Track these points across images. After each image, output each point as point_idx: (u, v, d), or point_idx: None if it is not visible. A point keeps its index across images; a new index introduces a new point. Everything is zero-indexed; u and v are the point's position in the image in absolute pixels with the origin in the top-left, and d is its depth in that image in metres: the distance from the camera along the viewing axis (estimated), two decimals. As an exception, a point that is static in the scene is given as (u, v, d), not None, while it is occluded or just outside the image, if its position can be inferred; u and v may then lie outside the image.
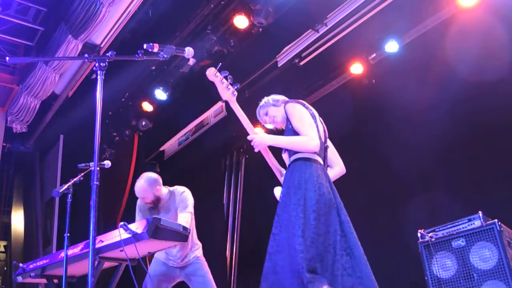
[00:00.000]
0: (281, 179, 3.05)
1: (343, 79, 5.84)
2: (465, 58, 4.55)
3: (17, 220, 8.30)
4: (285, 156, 3.03)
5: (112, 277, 3.29)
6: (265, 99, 3.25)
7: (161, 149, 8.15)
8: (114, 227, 3.11)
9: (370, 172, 5.40)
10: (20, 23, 6.12)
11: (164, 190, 3.83)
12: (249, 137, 2.98)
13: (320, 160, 2.83)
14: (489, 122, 4.55)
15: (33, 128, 7.50)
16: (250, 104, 7.45)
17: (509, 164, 4.38)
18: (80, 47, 5.66)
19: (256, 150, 3.00)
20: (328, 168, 3.00)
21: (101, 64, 2.39)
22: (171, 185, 3.95)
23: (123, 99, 7.14)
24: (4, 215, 8.30)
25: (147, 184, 3.73)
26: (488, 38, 4.51)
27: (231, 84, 3.03)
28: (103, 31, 5.71)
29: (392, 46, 5.31)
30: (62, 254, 3.09)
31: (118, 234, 2.92)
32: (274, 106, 3.17)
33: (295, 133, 2.85)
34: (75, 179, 3.24)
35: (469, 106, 4.67)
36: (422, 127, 4.96)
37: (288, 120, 2.95)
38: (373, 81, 5.67)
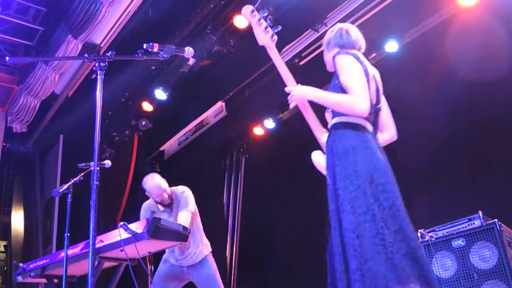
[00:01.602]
0: (322, 142, 2.62)
1: (343, 79, 5.83)
2: (465, 58, 4.55)
3: (17, 220, 8.30)
4: (328, 115, 2.62)
5: (112, 277, 3.29)
6: (329, 33, 2.71)
7: (161, 149, 8.15)
8: (114, 227, 3.11)
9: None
10: (20, 23, 6.12)
11: (168, 190, 3.86)
12: (287, 89, 2.54)
13: (369, 126, 2.42)
14: (489, 122, 4.55)
15: (33, 128, 7.50)
16: (250, 104, 7.48)
17: (509, 164, 4.38)
18: (80, 47, 5.66)
19: (291, 106, 2.59)
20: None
21: (101, 64, 2.38)
22: (171, 185, 3.95)
23: (123, 99, 7.13)
24: (4, 215, 8.30)
25: (162, 181, 3.80)
26: (488, 38, 4.51)
27: (271, 27, 2.60)
28: (103, 31, 5.71)
29: (392, 46, 5.31)
30: (62, 254, 3.09)
31: (118, 234, 2.92)
32: (327, 50, 2.70)
33: (342, 91, 2.38)
34: (75, 179, 3.25)
35: (469, 106, 4.67)
36: (422, 126, 4.96)
37: (335, 73, 2.49)
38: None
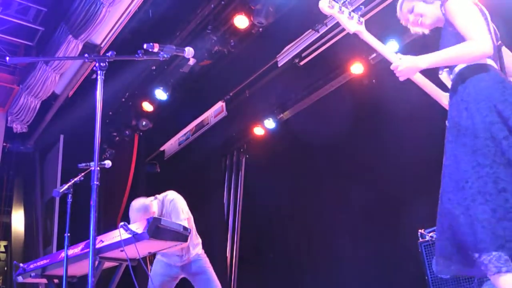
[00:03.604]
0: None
1: (343, 79, 5.84)
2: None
3: (17, 220, 8.30)
4: (443, 76, 2.37)
5: (112, 277, 3.29)
6: None
7: (161, 149, 8.15)
8: (114, 227, 3.11)
9: (370, 171, 5.40)
10: (20, 23, 6.11)
11: (155, 206, 3.74)
12: (392, 66, 2.25)
13: (496, 66, 2.17)
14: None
15: (33, 128, 7.50)
16: (250, 104, 7.47)
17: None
18: (80, 47, 5.66)
19: (401, 79, 2.30)
20: None
21: (101, 64, 2.39)
22: (171, 185, 3.95)
23: (123, 99, 7.13)
24: (4, 215, 8.30)
25: (141, 213, 3.61)
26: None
27: (353, 11, 2.39)
28: (103, 31, 5.71)
29: (392, 46, 5.31)
30: (63, 254, 3.10)
31: (119, 234, 2.92)
32: (424, 2, 2.39)
33: (460, 38, 2.12)
34: (75, 179, 3.24)
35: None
36: (423, 126, 4.96)
37: (448, 21, 2.22)
38: (374, 81, 5.66)
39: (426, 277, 3.60)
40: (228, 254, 7.06)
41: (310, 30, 5.54)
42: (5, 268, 8.06)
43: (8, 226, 8.26)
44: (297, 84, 6.25)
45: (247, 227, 7.19)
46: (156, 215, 3.64)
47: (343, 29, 5.87)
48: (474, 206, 1.87)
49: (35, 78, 6.32)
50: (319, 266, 5.88)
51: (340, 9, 2.35)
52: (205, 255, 3.93)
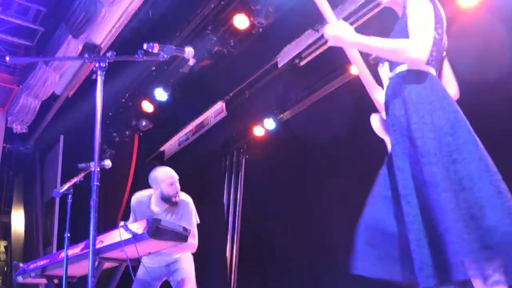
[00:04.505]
0: (377, 100, 2.37)
1: (343, 79, 5.84)
2: (465, 58, 4.54)
3: (17, 220, 8.31)
4: (382, 70, 2.23)
5: (112, 278, 3.29)
6: None
7: (161, 149, 8.15)
8: (115, 227, 3.11)
9: (371, 172, 5.38)
10: (20, 24, 6.12)
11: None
12: (325, 28, 2.14)
13: (435, 74, 2.11)
14: (490, 122, 4.54)
15: (33, 128, 7.50)
16: (250, 104, 7.47)
17: (509, 164, 4.37)
18: (80, 47, 5.66)
19: (328, 43, 2.17)
20: None
21: (101, 64, 2.39)
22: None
23: (123, 100, 7.13)
24: (4, 215, 8.31)
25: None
26: (488, 39, 4.50)
27: None
28: (103, 31, 5.71)
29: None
30: (63, 254, 3.10)
31: (119, 235, 2.92)
32: None
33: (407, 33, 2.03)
34: (75, 180, 3.24)
35: (469, 106, 4.65)
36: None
37: (404, 13, 2.11)
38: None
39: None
40: (228, 254, 7.06)
41: (310, 30, 5.54)
42: (5, 268, 8.07)
43: (8, 226, 8.27)
44: (297, 84, 6.25)
45: (247, 227, 7.18)
46: (178, 192, 3.70)
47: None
48: None
49: (35, 78, 6.32)
50: (319, 266, 5.87)
51: None
52: (190, 255, 3.87)
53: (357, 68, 2.29)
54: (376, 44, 2.03)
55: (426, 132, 1.89)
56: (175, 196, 3.72)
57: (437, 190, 1.80)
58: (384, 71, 2.20)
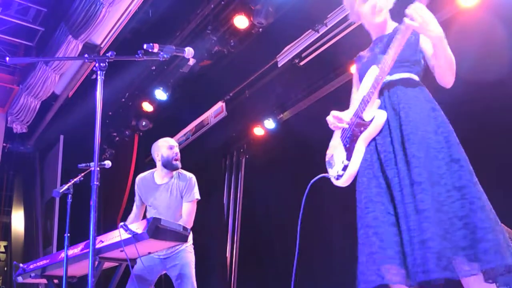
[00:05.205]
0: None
1: (343, 79, 5.84)
2: (465, 58, 4.53)
3: (17, 220, 8.30)
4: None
5: (112, 277, 3.29)
6: None
7: (161, 149, 8.15)
8: (114, 227, 3.11)
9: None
10: (20, 23, 6.12)
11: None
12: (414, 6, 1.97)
13: None
14: (490, 123, 4.54)
15: (33, 128, 7.50)
16: (250, 105, 7.46)
17: (509, 164, 4.38)
18: (80, 47, 5.66)
19: (416, 23, 1.99)
20: None
21: (101, 64, 2.39)
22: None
23: (123, 99, 7.14)
24: (4, 215, 8.30)
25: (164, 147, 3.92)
26: (488, 39, 4.50)
27: None
28: (103, 31, 5.71)
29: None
30: (63, 255, 3.10)
31: (118, 234, 2.92)
32: None
33: (421, 53, 2.10)
34: (75, 179, 3.25)
35: (469, 107, 4.66)
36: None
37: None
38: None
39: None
40: (228, 254, 7.06)
41: (310, 30, 5.54)
42: (5, 268, 8.06)
43: (8, 226, 8.27)
44: (297, 84, 6.25)
45: (247, 227, 7.19)
46: (178, 157, 3.87)
47: (343, 29, 5.89)
48: None
49: (35, 78, 6.32)
50: (319, 266, 5.88)
51: None
52: (191, 249, 3.82)
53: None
54: (448, 46, 2.06)
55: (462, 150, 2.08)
56: (176, 159, 3.87)
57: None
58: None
